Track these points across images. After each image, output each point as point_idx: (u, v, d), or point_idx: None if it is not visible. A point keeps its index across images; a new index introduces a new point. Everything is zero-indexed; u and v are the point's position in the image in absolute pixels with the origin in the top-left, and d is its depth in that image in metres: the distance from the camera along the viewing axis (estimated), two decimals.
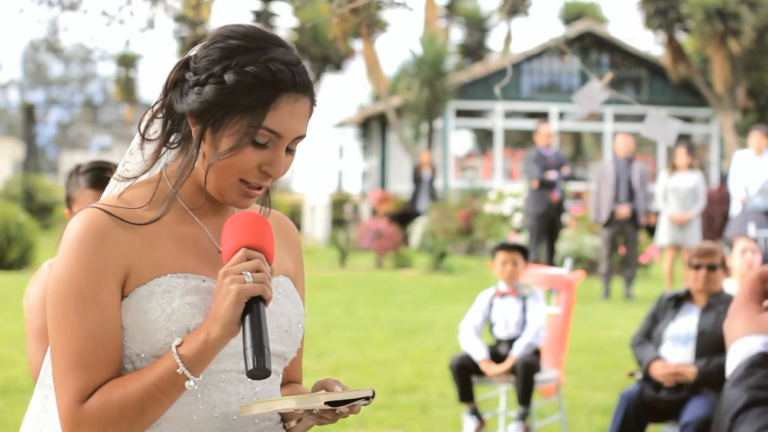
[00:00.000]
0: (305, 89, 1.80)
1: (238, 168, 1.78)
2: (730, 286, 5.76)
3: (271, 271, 1.75)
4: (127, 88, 35.03)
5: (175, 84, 1.82)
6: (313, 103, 1.83)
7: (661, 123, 5.01)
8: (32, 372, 3.08)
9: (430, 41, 20.58)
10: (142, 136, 1.87)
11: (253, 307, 1.70)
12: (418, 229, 18.03)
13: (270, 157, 1.79)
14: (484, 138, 24.63)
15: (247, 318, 1.70)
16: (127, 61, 34.61)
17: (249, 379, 1.79)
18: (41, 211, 24.27)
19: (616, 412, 5.05)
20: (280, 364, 1.89)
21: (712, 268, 5.03)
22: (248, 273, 1.71)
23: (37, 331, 3.09)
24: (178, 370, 1.71)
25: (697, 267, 5.05)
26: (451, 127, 21.04)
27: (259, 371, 1.67)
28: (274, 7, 29.58)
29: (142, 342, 1.76)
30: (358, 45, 23.38)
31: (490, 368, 5.52)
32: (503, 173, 21.22)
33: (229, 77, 1.75)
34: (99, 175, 3.18)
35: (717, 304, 5.04)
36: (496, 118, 20.68)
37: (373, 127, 26.02)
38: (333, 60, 28.46)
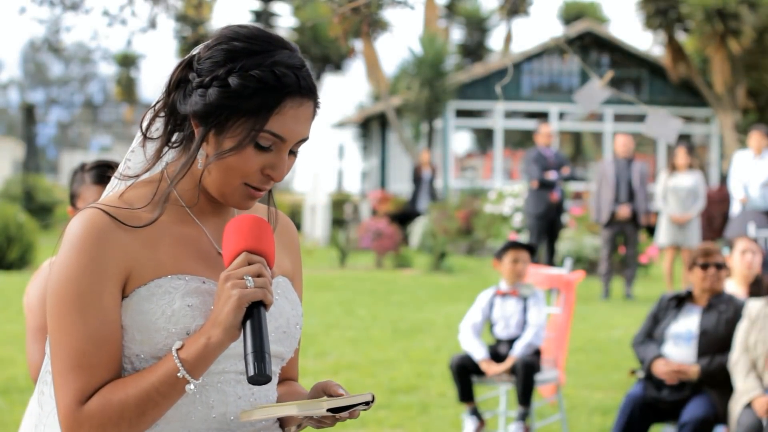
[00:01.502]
0: (309, 93, 1.80)
1: (242, 171, 1.78)
2: (731, 286, 5.76)
3: (271, 275, 1.75)
4: (128, 88, 35.03)
5: (178, 84, 1.81)
6: (316, 106, 1.83)
7: (663, 121, 5.02)
8: (31, 371, 3.09)
9: (430, 41, 20.58)
10: (144, 134, 1.87)
11: (253, 311, 1.71)
12: (418, 229, 18.03)
13: (273, 160, 1.79)
14: (484, 138, 24.63)
15: (248, 323, 1.70)
16: (128, 61, 34.60)
17: None
18: (41, 211, 24.26)
19: (620, 412, 5.05)
20: (278, 364, 1.90)
21: (719, 266, 5.05)
22: (249, 278, 1.71)
23: (37, 330, 3.10)
24: (178, 374, 1.71)
25: (705, 266, 5.05)
26: (451, 127, 21.04)
27: (260, 377, 1.68)
28: (274, 7, 29.59)
29: (141, 342, 1.76)
30: (358, 45, 23.38)
31: (491, 368, 5.52)
32: (503, 173, 21.23)
33: (233, 81, 1.75)
34: (104, 171, 3.24)
35: (718, 303, 5.04)
36: (497, 117, 20.68)
37: (373, 127, 26.02)
38: (333, 60, 28.46)
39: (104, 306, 1.74)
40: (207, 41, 1.82)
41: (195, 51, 1.82)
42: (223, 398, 1.80)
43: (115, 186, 1.92)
